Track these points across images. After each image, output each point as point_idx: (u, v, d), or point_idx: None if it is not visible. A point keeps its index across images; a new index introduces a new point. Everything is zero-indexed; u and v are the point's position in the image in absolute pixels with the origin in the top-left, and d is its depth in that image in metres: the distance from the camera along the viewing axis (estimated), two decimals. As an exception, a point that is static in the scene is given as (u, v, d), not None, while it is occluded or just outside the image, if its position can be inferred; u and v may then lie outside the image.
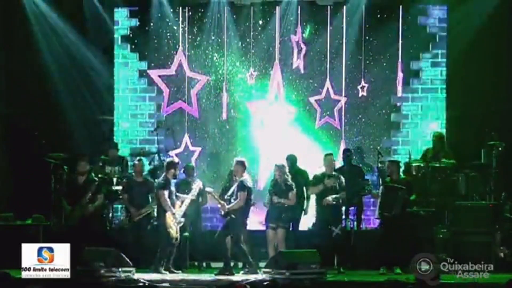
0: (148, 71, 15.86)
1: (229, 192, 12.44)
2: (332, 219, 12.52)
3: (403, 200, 12.44)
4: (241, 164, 12.46)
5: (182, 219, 12.40)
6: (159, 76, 15.86)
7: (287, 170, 12.66)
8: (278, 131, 15.54)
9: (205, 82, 15.77)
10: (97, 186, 12.79)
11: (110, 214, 14.04)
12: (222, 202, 12.34)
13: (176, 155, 15.55)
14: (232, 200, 12.31)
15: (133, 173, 13.44)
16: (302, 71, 15.67)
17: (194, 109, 15.79)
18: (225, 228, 12.34)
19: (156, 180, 12.87)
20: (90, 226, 12.62)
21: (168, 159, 12.98)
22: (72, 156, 13.75)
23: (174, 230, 12.25)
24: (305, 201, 13.23)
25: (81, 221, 12.54)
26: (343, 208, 12.88)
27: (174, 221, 12.25)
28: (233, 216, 12.20)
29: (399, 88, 15.50)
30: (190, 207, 12.65)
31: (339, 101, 15.60)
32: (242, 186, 12.29)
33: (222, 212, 12.34)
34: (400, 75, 15.43)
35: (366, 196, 14.08)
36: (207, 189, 12.64)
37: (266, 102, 15.72)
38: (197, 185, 12.67)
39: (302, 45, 15.63)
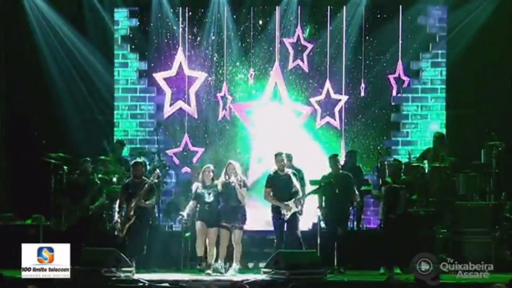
0: (153, 74, 15.78)
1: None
2: (339, 219, 12.48)
3: (406, 199, 12.43)
4: (287, 156, 12.32)
5: (132, 217, 12.10)
6: (164, 78, 15.82)
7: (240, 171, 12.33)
8: (278, 131, 15.53)
9: (204, 79, 15.73)
10: (98, 187, 12.80)
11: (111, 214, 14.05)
12: (286, 203, 12.08)
13: (175, 154, 15.65)
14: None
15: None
16: (304, 71, 15.68)
17: (193, 109, 15.78)
18: (292, 228, 12.07)
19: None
20: (90, 226, 12.61)
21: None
22: (72, 156, 13.76)
23: (119, 231, 12.13)
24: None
25: (81, 221, 12.54)
26: (350, 208, 12.89)
27: (120, 221, 12.16)
28: (299, 212, 12.10)
29: (394, 91, 15.52)
30: (189, 207, 12.58)
31: (339, 100, 15.59)
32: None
33: (288, 214, 12.06)
34: (398, 74, 15.46)
35: (366, 196, 14.08)
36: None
37: (265, 102, 15.73)
38: (154, 175, 12.45)
39: (307, 44, 15.60)
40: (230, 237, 12.09)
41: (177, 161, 15.59)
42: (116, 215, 12.40)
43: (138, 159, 13.30)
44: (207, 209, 12.17)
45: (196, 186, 12.38)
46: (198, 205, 12.28)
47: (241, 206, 12.14)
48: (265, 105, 15.73)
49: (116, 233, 12.21)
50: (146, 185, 12.24)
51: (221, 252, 12.11)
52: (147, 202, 12.30)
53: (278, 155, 12.26)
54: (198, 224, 12.23)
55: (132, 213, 12.15)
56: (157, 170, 12.69)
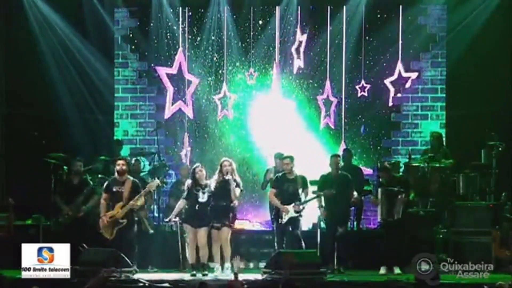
0: (156, 67, 15.83)
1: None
2: (340, 219, 12.47)
3: (403, 203, 12.39)
4: (289, 158, 12.24)
5: (123, 221, 11.67)
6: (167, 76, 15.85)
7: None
8: (278, 131, 15.52)
9: (197, 84, 15.76)
10: (92, 187, 12.76)
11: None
12: (285, 206, 12.03)
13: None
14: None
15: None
16: (304, 71, 15.69)
17: (189, 110, 15.76)
18: (293, 227, 12.02)
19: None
20: (84, 227, 12.55)
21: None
22: (72, 156, 13.75)
23: (107, 233, 11.72)
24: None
25: (74, 221, 12.50)
26: (352, 209, 12.87)
27: (105, 224, 11.73)
28: (301, 214, 12.05)
29: (392, 93, 15.54)
30: (178, 207, 12.28)
31: (336, 102, 15.62)
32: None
33: (285, 218, 12.01)
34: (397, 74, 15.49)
35: (366, 196, 14.07)
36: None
37: (266, 102, 15.74)
38: (152, 184, 12.04)
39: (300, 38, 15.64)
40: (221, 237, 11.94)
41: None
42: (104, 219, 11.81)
43: (138, 158, 13.23)
44: (197, 209, 11.93)
45: (188, 184, 12.12)
46: (187, 205, 12.05)
47: (232, 206, 11.97)
48: (268, 104, 15.73)
49: (102, 233, 11.79)
50: (146, 190, 11.93)
51: (215, 253, 11.97)
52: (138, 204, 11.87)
53: (285, 158, 12.27)
54: (186, 228, 12.07)
55: (122, 215, 11.73)
56: (157, 180, 12.28)
